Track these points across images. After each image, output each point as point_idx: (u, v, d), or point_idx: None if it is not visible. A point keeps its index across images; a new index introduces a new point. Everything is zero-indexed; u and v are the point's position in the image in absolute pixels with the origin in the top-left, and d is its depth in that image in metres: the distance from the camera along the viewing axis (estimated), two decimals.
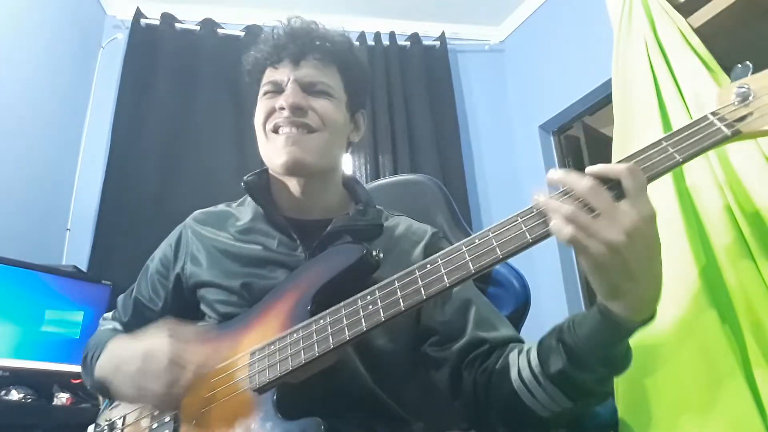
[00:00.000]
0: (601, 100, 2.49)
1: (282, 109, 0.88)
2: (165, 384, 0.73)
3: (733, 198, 1.34)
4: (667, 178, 1.45)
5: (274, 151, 0.89)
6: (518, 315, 1.02)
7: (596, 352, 0.64)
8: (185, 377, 0.74)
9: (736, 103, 0.66)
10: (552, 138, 2.83)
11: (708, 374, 1.20)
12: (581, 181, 0.60)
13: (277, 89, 0.91)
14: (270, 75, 0.93)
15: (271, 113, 0.90)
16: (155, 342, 0.76)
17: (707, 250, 1.36)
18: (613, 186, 0.61)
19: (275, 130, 0.89)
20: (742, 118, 0.65)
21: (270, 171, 0.96)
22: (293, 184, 0.92)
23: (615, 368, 0.66)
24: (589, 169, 0.62)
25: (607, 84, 2.05)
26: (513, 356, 0.75)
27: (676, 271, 1.34)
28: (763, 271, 1.25)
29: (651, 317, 0.64)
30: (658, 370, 1.27)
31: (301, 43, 0.91)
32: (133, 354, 0.77)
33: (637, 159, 0.64)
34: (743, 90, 0.66)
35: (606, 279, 0.60)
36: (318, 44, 0.91)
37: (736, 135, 0.64)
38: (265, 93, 0.93)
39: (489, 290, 1.06)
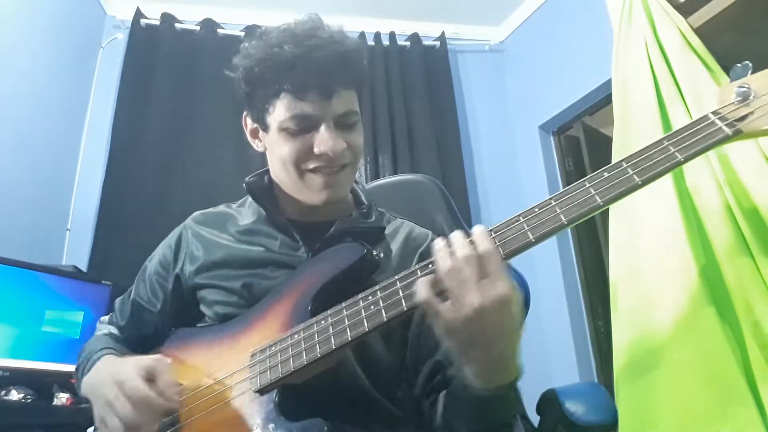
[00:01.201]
0: (601, 100, 2.48)
1: (323, 154, 0.83)
2: (123, 420, 0.72)
3: (733, 198, 1.35)
4: (668, 179, 1.46)
5: (308, 190, 0.87)
6: None
7: (464, 407, 0.71)
8: (143, 420, 0.73)
9: (737, 102, 0.66)
10: (552, 138, 2.82)
11: (708, 372, 1.21)
12: (462, 249, 0.64)
13: (310, 125, 0.83)
14: (296, 106, 0.82)
15: (305, 154, 0.84)
16: (126, 375, 0.75)
17: (707, 250, 1.36)
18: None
19: (313, 171, 0.85)
20: (743, 118, 0.65)
21: (274, 178, 0.95)
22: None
23: (490, 423, 0.72)
24: (475, 230, 0.67)
25: (607, 84, 2.06)
26: (441, 396, 0.79)
27: (676, 271, 1.35)
28: (763, 270, 1.25)
29: (505, 386, 0.67)
30: (658, 369, 1.27)
31: (331, 77, 0.82)
32: (108, 379, 0.77)
33: (639, 158, 0.64)
34: (744, 89, 0.66)
35: (453, 343, 0.65)
36: (347, 74, 0.85)
37: (738, 134, 0.64)
38: (289, 128, 0.83)
39: None
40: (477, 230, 0.66)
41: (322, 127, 0.83)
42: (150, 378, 0.74)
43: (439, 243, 0.67)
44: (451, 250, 0.65)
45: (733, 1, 1.59)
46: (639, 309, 1.37)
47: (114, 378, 0.75)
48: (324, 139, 0.82)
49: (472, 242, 0.65)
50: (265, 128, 0.88)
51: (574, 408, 0.90)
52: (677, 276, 1.34)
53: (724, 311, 1.27)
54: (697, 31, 1.65)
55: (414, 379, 0.85)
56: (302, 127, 0.83)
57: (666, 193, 1.45)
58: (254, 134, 0.94)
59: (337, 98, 0.83)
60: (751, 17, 1.62)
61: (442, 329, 0.64)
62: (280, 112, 0.84)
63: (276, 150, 0.87)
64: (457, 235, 0.67)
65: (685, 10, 1.69)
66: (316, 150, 0.83)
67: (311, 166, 0.85)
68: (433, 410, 0.80)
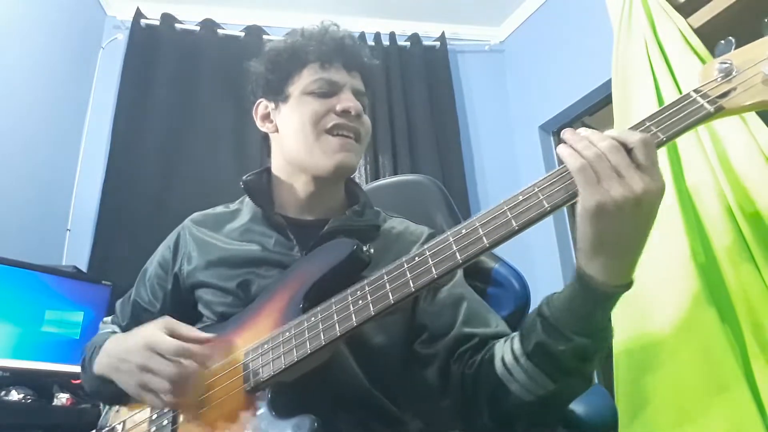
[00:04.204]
0: (601, 100, 2.48)
1: (345, 112, 0.89)
2: (168, 378, 0.72)
3: (733, 198, 1.34)
4: (668, 178, 1.45)
5: (323, 152, 0.89)
6: (518, 315, 1.02)
7: (572, 319, 0.64)
8: (187, 371, 0.73)
9: (719, 79, 0.64)
10: (552, 138, 2.82)
11: (708, 374, 1.20)
12: (603, 141, 0.60)
13: (333, 90, 0.91)
14: (321, 73, 0.92)
15: (325, 113, 0.90)
16: (155, 336, 0.75)
17: (707, 250, 1.36)
18: (629, 153, 0.60)
19: (331, 132, 0.89)
20: (725, 94, 0.63)
21: (275, 170, 0.97)
22: (305, 185, 0.93)
23: (593, 339, 0.65)
24: (608, 132, 0.62)
25: (607, 84, 2.05)
26: (498, 345, 0.75)
27: (676, 271, 1.34)
28: (764, 271, 1.24)
29: (626, 285, 0.63)
30: (659, 370, 1.27)
31: (352, 55, 0.94)
32: (133, 347, 0.76)
33: None
34: (726, 65, 0.64)
35: (596, 229, 0.60)
36: (362, 58, 0.96)
37: (719, 111, 0.62)
38: (314, 91, 0.91)
39: (489, 290, 1.06)
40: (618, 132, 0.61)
41: (346, 90, 0.92)
42: (172, 334, 0.76)
43: (566, 133, 0.63)
44: (585, 144, 0.60)
45: (733, 1, 1.58)
46: (638, 309, 1.37)
47: (140, 343, 0.75)
48: (348, 98, 0.90)
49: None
50: (285, 99, 0.94)
51: (574, 408, 0.90)
52: (676, 275, 1.33)
53: (724, 313, 1.26)
54: (697, 31, 1.65)
55: (430, 359, 0.82)
56: (326, 91, 0.91)
57: (666, 194, 1.45)
58: (266, 117, 0.99)
59: (355, 76, 0.95)
60: (751, 17, 1.61)
61: (591, 209, 0.59)
62: (306, 77, 0.92)
63: (296, 114, 0.91)
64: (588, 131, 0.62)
65: (685, 10, 1.69)
66: (339, 107, 0.89)
67: (330, 124, 0.89)
68: (479, 371, 0.75)
